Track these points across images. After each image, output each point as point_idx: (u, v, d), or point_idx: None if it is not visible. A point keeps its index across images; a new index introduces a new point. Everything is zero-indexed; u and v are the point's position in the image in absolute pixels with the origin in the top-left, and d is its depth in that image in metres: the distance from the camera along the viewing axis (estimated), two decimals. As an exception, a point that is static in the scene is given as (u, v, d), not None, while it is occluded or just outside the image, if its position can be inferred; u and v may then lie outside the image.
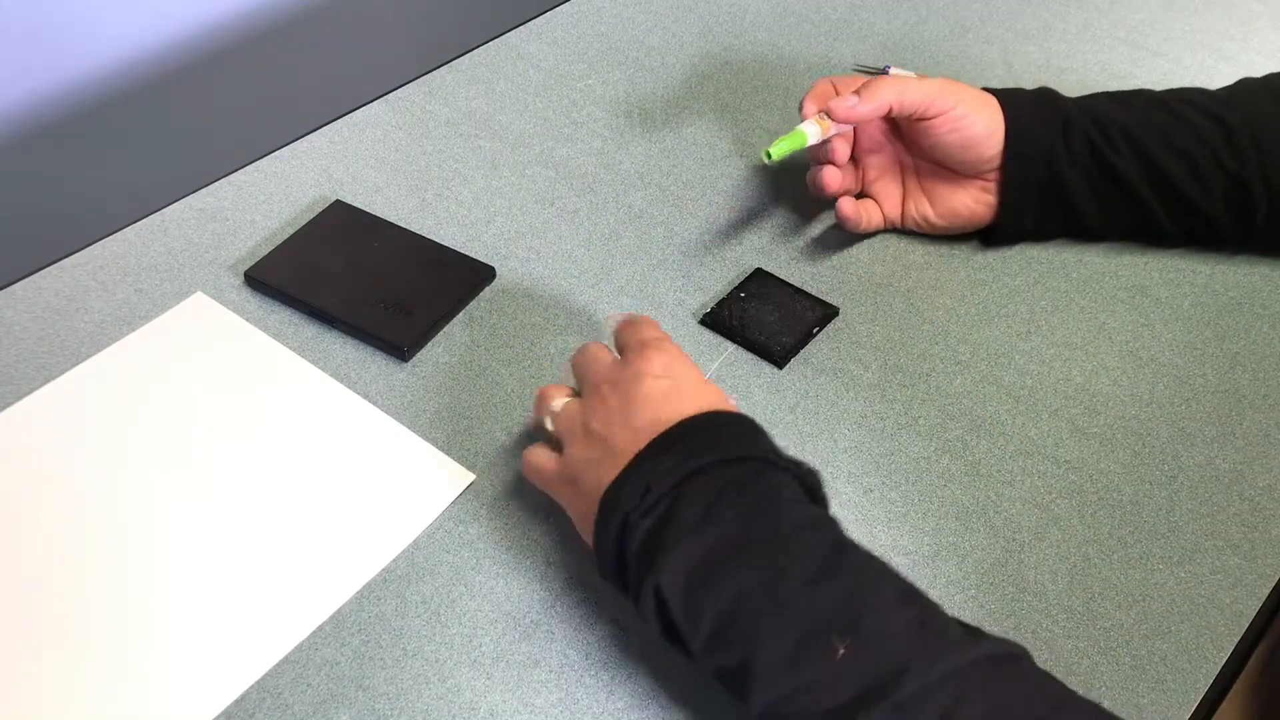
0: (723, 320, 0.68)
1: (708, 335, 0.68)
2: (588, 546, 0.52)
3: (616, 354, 0.57)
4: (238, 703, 0.52)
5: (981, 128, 0.67)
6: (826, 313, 0.68)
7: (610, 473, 0.50)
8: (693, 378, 0.53)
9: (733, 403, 0.54)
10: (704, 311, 0.69)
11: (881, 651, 0.43)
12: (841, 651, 0.42)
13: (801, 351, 0.67)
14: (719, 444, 0.49)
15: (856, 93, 0.66)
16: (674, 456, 0.48)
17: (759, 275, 0.71)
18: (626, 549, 0.48)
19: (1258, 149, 0.65)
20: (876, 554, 0.48)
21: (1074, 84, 0.70)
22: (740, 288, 0.70)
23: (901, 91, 0.66)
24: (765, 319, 0.68)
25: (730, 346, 0.67)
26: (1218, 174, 0.66)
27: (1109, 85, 0.68)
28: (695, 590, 0.46)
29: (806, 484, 0.50)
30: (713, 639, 0.45)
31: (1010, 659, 0.43)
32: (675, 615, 0.46)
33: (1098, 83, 0.70)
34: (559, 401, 0.56)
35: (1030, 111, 0.68)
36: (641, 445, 0.50)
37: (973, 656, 0.42)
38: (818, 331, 0.68)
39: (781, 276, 0.71)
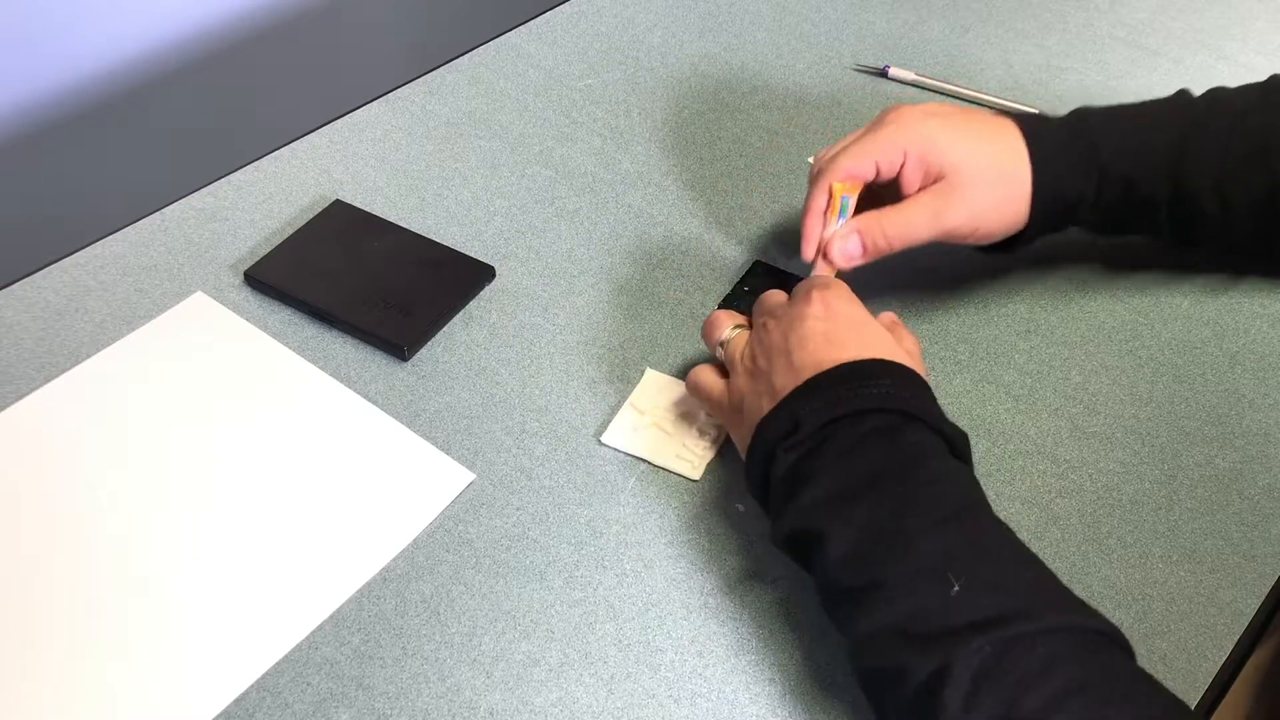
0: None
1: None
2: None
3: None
4: (238, 702, 0.52)
5: (1001, 226, 0.62)
6: None
7: (768, 405, 0.52)
8: (856, 321, 0.55)
9: (900, 348, 0.55)
10: (714, 306, 0.69)
11: (994, 595, 0.44)
12: (956, 589, 0.44)
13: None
14: (868, 392, 0.51)
15: (861, 241, 0.61)
16: (822, 399, 0.51)
17: (759, 268, 0.71)
18: (772, 476, 0.51)
19: None
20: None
21: (1074, 84, 0.70)
22: (743, 281, 0.70)
23: (910, 231, 0.61)
24: None
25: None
26: (1248, 206, 0.62)
27: (1109, 85, 0.68)
28: (829, 519, 0.48)
29: (954, 444, 0.51)
30: (840, 563, 0.47)
31: (1117, 643, 0.45)
32: (807, 541, 0.49)
33: (1098, 83, 0.70)
34: (727, 331, 0.59)
35: (1061, 174, 0.62)
36: (799, 383, 0.52)
37: (1081, 623, 0.44)
38: None
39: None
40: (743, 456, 0.55)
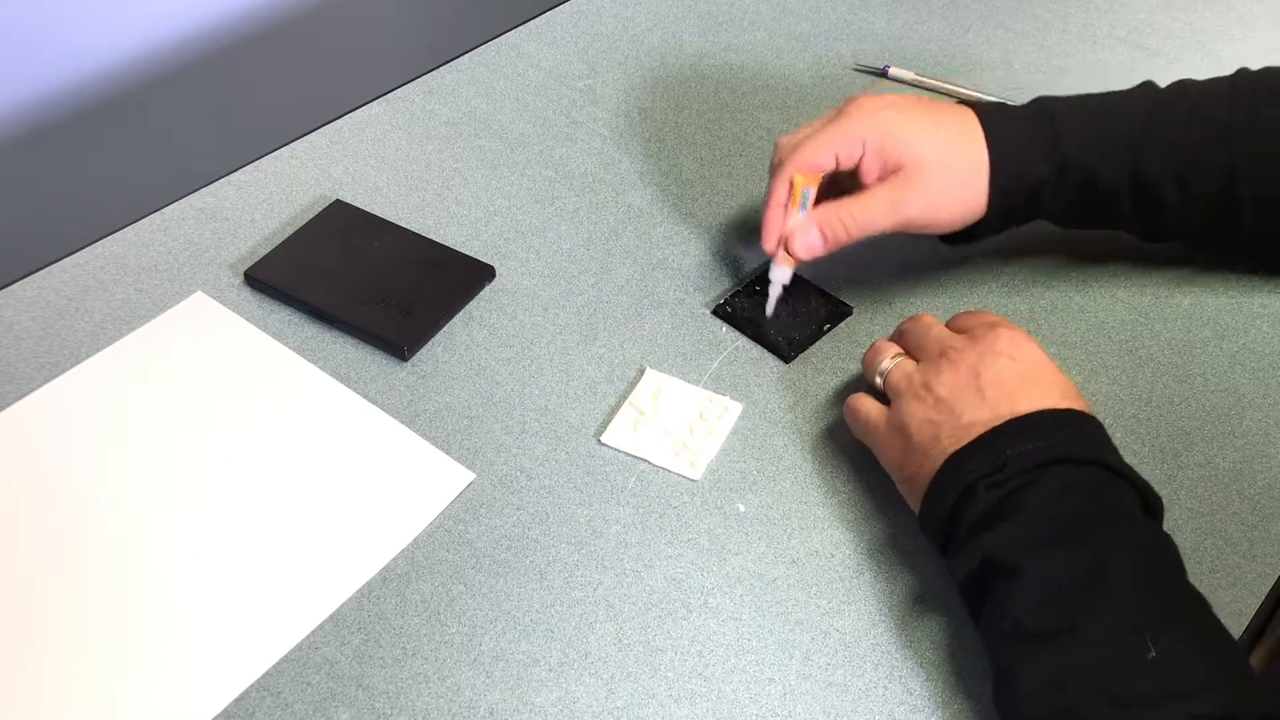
0: (737, 310, 0.68)
1: (712, 327, 0.68)
2: None
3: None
4: (238, 701, 0.52)
5: (960, 214, 0.63)
6: (839, 310, 0.68)
7: (954, 439, 0.52)
8: (1045, 366, 0.55)
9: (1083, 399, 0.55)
10: (717, 302, 0.69)
11: (1190, 666, 0.44)
12: (1152, 654, 0.43)
13: (810, 349, 0.67)
14: (1079, 443, 0.51)
15: (822, 233, 0.63)
16: (1034, 442, 0.50)
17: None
18: (962, 513, 0.50)
19: (1251, 163, 0.62)
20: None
21: (1074, 84, 0.70)
22: (756, 280, 0.70)
23: (868, 221, 0.62)
24: (777, 312, 0.68)
25: (738, 340, 0.67)
26: (1207, 196, 0.63)
27: (1109, 85, 0.68)
28: (1028, 557, 0.47)
29: (1147, 501, 0.51)
30: (1033, 604, 0.47)
31: None
32: (997, 574, 0.48)
33: (1098, 83, 0.70)
34: (889, 360, 0.58)
35: (1020, 161, 0.63)
36: (998, 423, 0.51)
37: (1262, 710, 0.43)
38: (829, 329, 0.68)
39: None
40: (904, 484, 0.55)
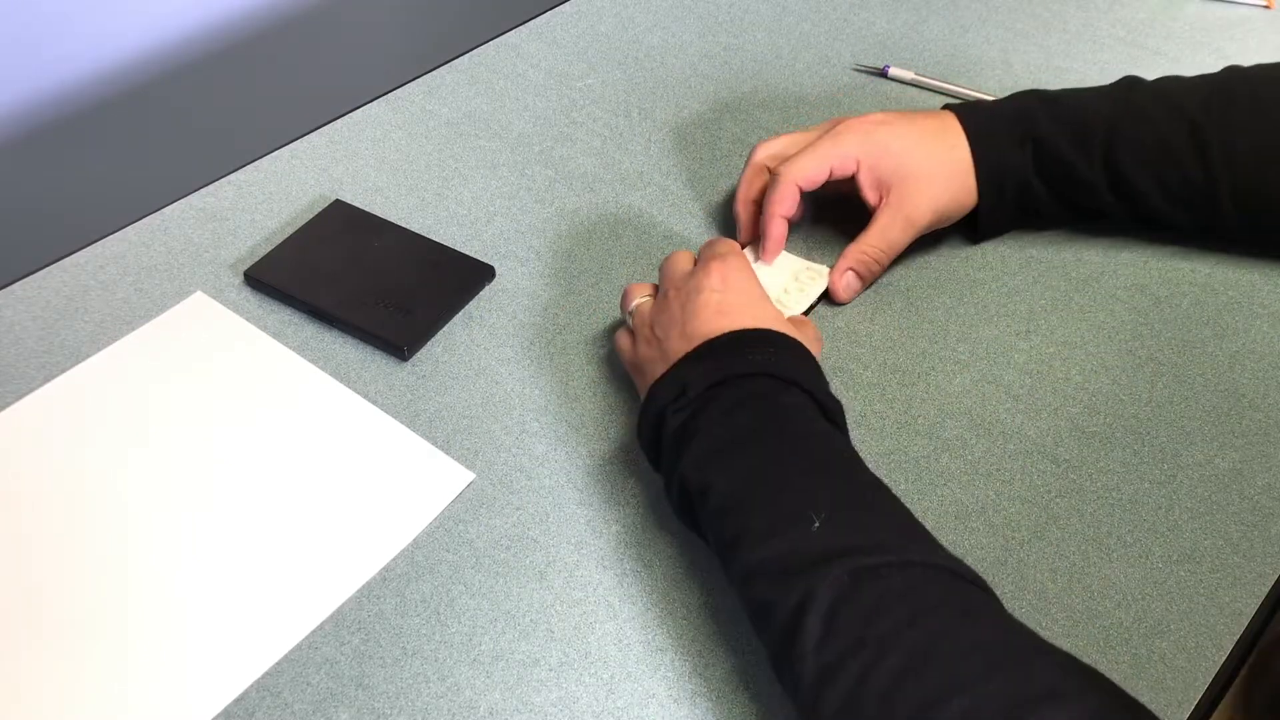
0: None
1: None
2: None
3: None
4: (238, 701, 0.52)
5: (961, 206, 0.68)
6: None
7: (661, 370, 0.56)
8: (748, 294, 0.59)
9: (793, 327, 0.59)
10: None
11: (855, 531, 0.47)
12: (816, 524, 0.47)
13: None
14: (750, 358, 0.54)
15: (856, 273, 0.68)
16: (708, 364, 0.54)
17: None
18: (663, 437, 0.54)
19: (1228, 157, 0.64)
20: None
21: (1073, 83, 0.70)
22: None
23: (891, 246, 0.67)
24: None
25: None
26: (1184, 186, 0.66)
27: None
28: (708, 472, 0.51)
29: (826, 408, 0.54)
30: (716, 513, 0.50)
31: (976, 584, 0.46)
32: (692, 496, 0.52)
33: (1098, 83, 0.70)
34: (636, 300, 0.63)
35: (999, 151, 0.67)
36: (688, 350, 0.56)
37: (942, 562, 0.46)
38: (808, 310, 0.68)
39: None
40: None
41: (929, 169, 0.66)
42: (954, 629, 0.43)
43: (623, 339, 0.63)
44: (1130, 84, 0.68)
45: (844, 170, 0.67)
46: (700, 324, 0.57)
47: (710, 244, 0.63)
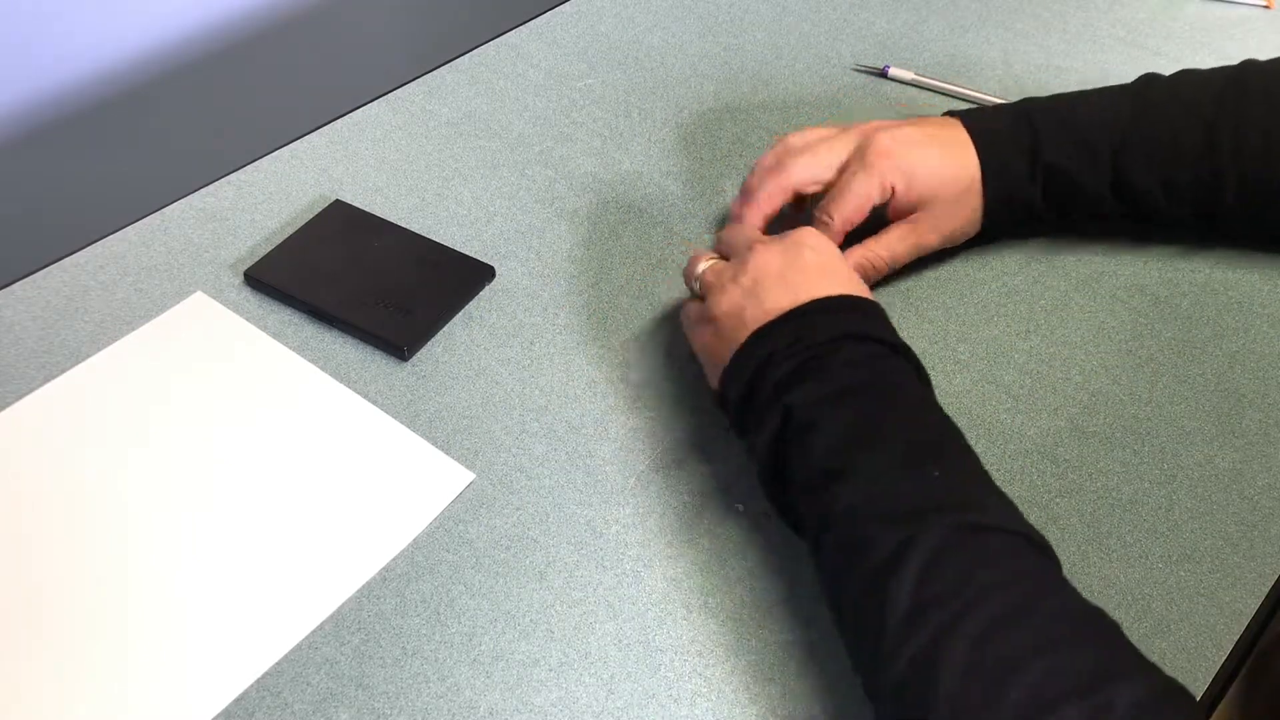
0: None
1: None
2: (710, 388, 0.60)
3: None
4: (237, 701, 0.52)
5: (965, 232, 0.69)
6: None
7: (758, 319, 0.56)
8: (841, 262, 0.60)
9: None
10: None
11: (962, 489, 0.49)
12: (937, 474, 0.49)
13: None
14: (867, 323, 0.56)
15: (860, 273, 0.66)
16: (824, 320, 0.55)
17: None
18: (763, 378, 0.54)
19: (1236, 148, 0.64)
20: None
21: (1074, 84, 0.70)
22: None
23: (894, 258, 0.68)
24: None
25: None
26: (1191, 184, 0.66)
27: (1108, 85, 0.68)
28: (822, 408, 0.52)
29: (921, 374, 0.57)
30: (825, 449, 0.51)
31: (1057, 564, 0.49)
32: (796, 431, 0.52)
33: (1098, 82, 0.70)
34: (704, 264, 0.62)
35: (1009, 183, 0.67)
36: (797, 304, 0.56)
37: (1037, 538, 0.48)
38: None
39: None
40: (710, 366, 0.59)
41: (948, 196, 0.66)
42: (1046, 595, 0.45)
43: (689, 305, 0.63)
44: (1147, 81, 0.68)
45: (883, 197, 0.66)
46: (805, 279, 0.57)
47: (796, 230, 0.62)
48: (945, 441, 0.52)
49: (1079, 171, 0.66)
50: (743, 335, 0.56)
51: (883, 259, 0.67)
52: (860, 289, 0.58)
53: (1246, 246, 0.72)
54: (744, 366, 0.55)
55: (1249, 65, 0.68)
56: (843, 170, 0.66)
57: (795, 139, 0.69)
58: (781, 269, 0.58)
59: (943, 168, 0.66)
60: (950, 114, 0.69)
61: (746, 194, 0.68)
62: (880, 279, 0.69)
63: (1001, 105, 0.70)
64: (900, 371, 0.55)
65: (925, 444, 0.51)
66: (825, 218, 0.66)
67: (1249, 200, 0.65)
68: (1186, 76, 0.68)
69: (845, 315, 0.56)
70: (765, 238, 0.61)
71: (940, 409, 0.54)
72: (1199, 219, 0.68)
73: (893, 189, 0.65)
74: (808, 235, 0.60)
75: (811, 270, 0.58)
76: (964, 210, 0.67)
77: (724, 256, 0.63)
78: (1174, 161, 0.66)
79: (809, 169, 0.67)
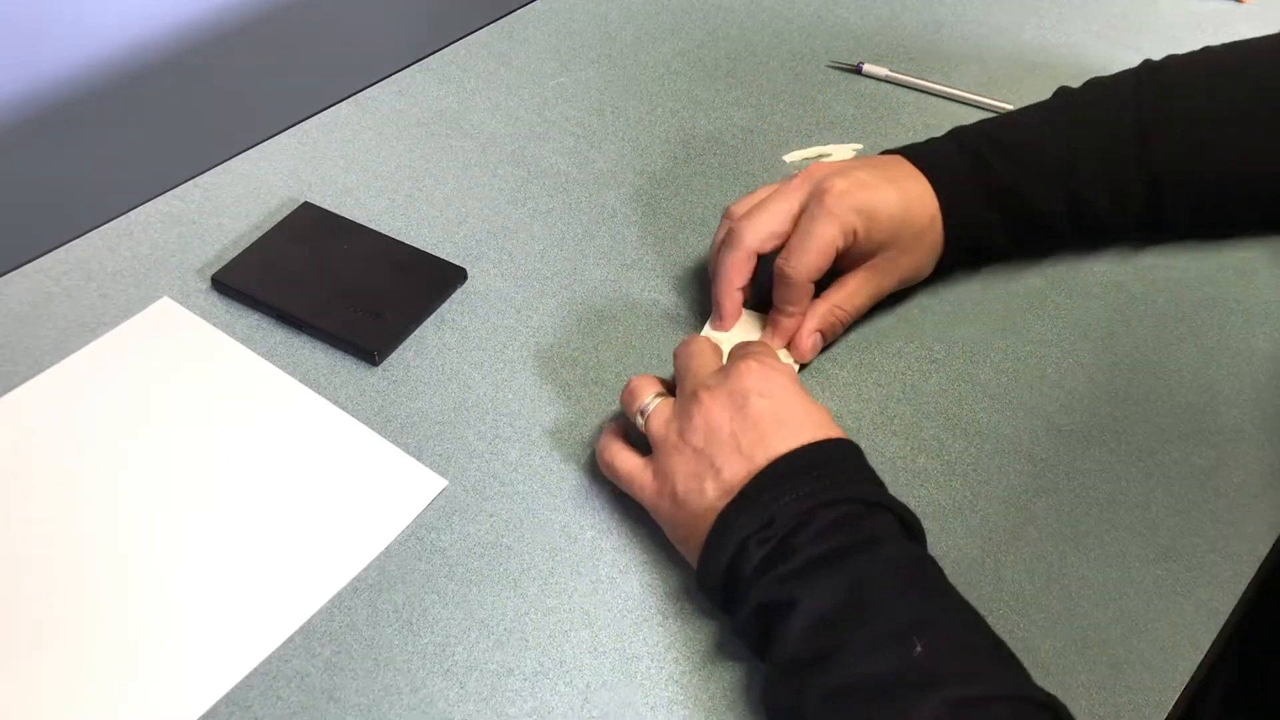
0: None
1: (686, 328, 0.67)
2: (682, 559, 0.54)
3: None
4: (206, 716, 0.51)
5: (924, 272, 0.67)
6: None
7: (720, 495, 0.51)
8: (796, 396, 0.54)
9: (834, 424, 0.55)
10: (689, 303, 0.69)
11: (957, 655, 0.46)
12: (918, 649, 0.45)
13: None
14: (838, 481, 0.51)
15: (822, 334, 0.64)
16: (797, 488, 0.50)
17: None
18: (739, 569, 0.50)
19: (1172, 152, 0.65)
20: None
21: (1049, 79, 0.70)
22: None
23: (856, 309, 0.65)
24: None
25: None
26: (1136, 194, 0.67)
27: (1082, 81, 0.68)
28: (795, 588, 0.48)
29: (909, 525, 0.52)
30: (806, 630, 0.47)
31: (1060, 716, 0.45)
32: (776, 611, 0.49)
33: (1072, 78, 0.70)
34: (651, 401, 0.57)
35: (970, 226, 0.66)
36: (755, 472, 0.51)
37: (1031, 694, 0.45)
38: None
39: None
40: (680, 544, 0.55)
41: (909, 235, 0.64)
42: None
43: (623, 456, 0.57)
44: (1066, 95, 0.69)
45: (845, 245, 0.62)
46: (759, 439, 0.52)
47: (740, 346, 0.59)
48: (934, 603, 0.48)
49: (1034, 194, 0.66)
50: (709, 518, 0.51)
51: (847, 313, 0.65)
52: (819, 422, 0.53)
53: (1219, 241, 0.72)
54: (716, 560, 0.51)
55: (1150, 63, 0.69)
56: (798, 219, 0.63)
57: (738, 206, 0.66)
58: (732, 428, 0.52)
59: (901, 206, 0.63)
60: (888, 152, 0.68)
61: (713, 277, 0.65)
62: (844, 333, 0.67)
63: (935, 138, 0.69)
64: (877, 527, 0.50)
65: (911, 611, 0.47)
66: (789, 270, 0.62)
67: (1187, 200, 0.67)
68: (1098, 83, 0.69)
69: (809, 479, 0.50)
70: (711, 375, 0.56)
71: (928, 563, 0.51)
72: (1143, 227, 0.69)
73: (855, 232, 0.62)
74: (749, 377, 0.54)
75: (765, 423, 0.52)
76: (923, 248, 0.65)
77: (672, 381, 0.59)
78: (1119, 169, 0.66)
79: (763, 225, 0.63)
